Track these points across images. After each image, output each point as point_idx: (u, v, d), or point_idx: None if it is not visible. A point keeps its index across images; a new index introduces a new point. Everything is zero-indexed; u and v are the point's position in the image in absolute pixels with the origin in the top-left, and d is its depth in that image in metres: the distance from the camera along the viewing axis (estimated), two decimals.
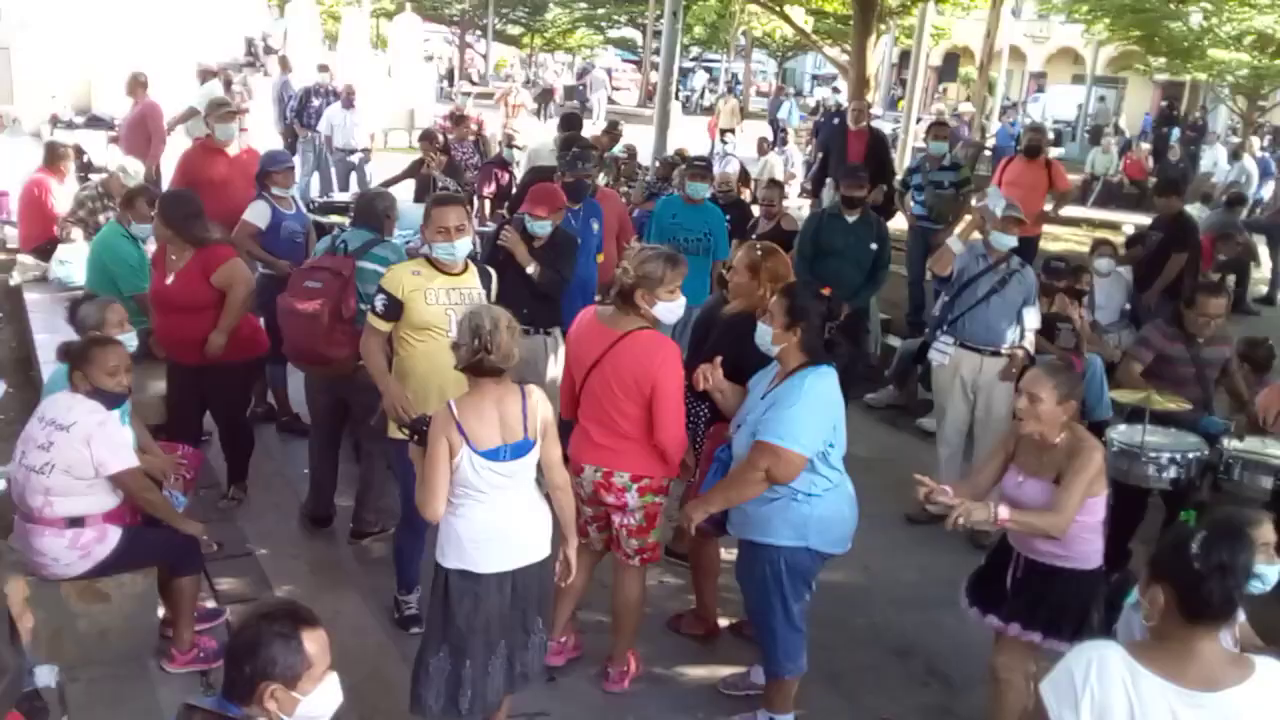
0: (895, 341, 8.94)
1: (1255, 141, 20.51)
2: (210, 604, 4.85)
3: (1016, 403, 3.93)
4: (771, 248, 4.95)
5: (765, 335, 4.01)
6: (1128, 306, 8.90)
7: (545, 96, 29.79)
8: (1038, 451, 3.92)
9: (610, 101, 33.95)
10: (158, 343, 5.72)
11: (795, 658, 4.16)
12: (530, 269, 5.57)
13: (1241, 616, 3.29)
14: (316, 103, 13.58)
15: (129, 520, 4.30)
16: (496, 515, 3.63)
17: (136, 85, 11.43)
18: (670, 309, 4.22)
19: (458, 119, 11.90)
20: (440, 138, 10.12)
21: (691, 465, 4.54)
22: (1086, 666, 2.44)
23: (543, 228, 5.63)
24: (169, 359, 5.74)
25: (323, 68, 14.11)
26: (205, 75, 13.65)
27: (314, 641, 2.49)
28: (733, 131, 20.80)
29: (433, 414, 3.66)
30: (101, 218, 8.23)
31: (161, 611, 4.52)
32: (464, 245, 4.60)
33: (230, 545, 5.33)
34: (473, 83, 35.58)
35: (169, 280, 5.52)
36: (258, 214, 6.58)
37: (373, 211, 5.64)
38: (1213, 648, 2.41)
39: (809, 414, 3.88)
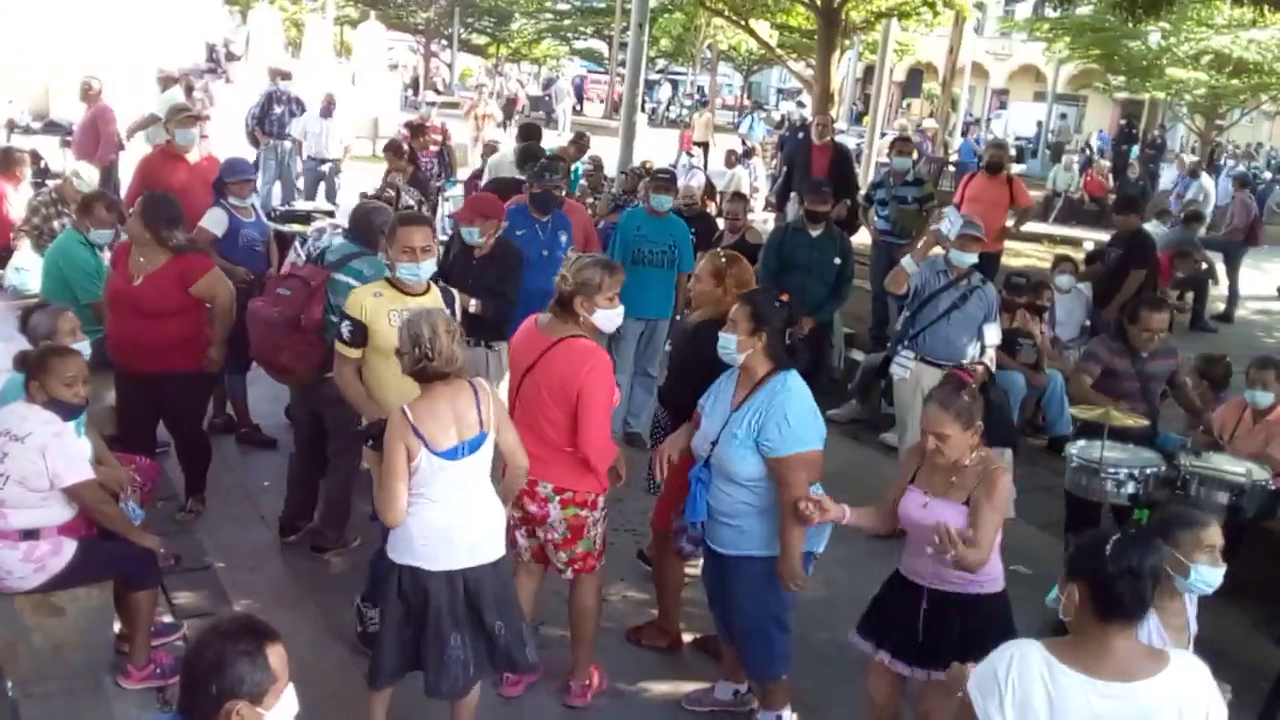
0: (859, 356, 8.98)
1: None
2: (167, 618, 4.77)
3: (926, 444, 3.80)
4: (735, 255, 5.01)
5: (729, 343, 4.00)
6: (1088, 322, 9.01)
7: (509, 107, 29.76)
8: (945, 473, 3.81)
9: (576, 112, 33.99)
10: (112, 348, 5.56)
11: (788, 657, 4.25)
12: (472, 306, 5.48)
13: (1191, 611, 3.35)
14: (278, 110, 13.46)
15: (84, 533, 4.23)
16: (448, 516, 3.69)
17: (89, 90, 11.32)
18: (609, 316, 4.24)
19: (417, 129, 11.85)
20: (405, 148, 10.07)
21: (622, 474, 4.42)
22: (1008, 663, 2.58)
23: (469, 235, 5.63)
24: (119, 366, 5.54)
25: (285, 75, 13.98)
26: (166, 82, 13.49)
27: (276, 656, 2.46)
28: (707, 145, 20.80)
29: (388, 420, 3.70)
30: (56, 224, 8.14)
31: (117, 626, 4.44)
32: (429, 266, 4.56)
33: (188, 558, 5.26)
34: (438, 92, 35.50)
35: (137, 282, 5.39)
36: (214, 221, 6.53)
37: (368, 225, 5.44)
38: (1126, 643, 2.56)
39: (808, 412, 3.97)
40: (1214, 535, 3.28)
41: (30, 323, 4.93)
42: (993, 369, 6.22)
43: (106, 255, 6.64)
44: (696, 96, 38.39)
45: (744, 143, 21.12)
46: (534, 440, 4.14)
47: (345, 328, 4.51)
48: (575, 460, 4.18)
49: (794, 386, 3.98)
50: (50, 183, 9.44)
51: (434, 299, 4.62)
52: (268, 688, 2.42)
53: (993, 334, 6.27)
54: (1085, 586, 2.56)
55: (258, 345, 5.34)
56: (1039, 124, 32.37)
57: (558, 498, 4.22)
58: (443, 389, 3.66)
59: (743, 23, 20.08)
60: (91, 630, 4.34)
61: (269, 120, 13.40)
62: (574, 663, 4.55)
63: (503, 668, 4.04)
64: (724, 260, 4.86)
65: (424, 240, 4.50)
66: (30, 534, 4.05)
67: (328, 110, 13.13)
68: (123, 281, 5.44)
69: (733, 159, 16.64)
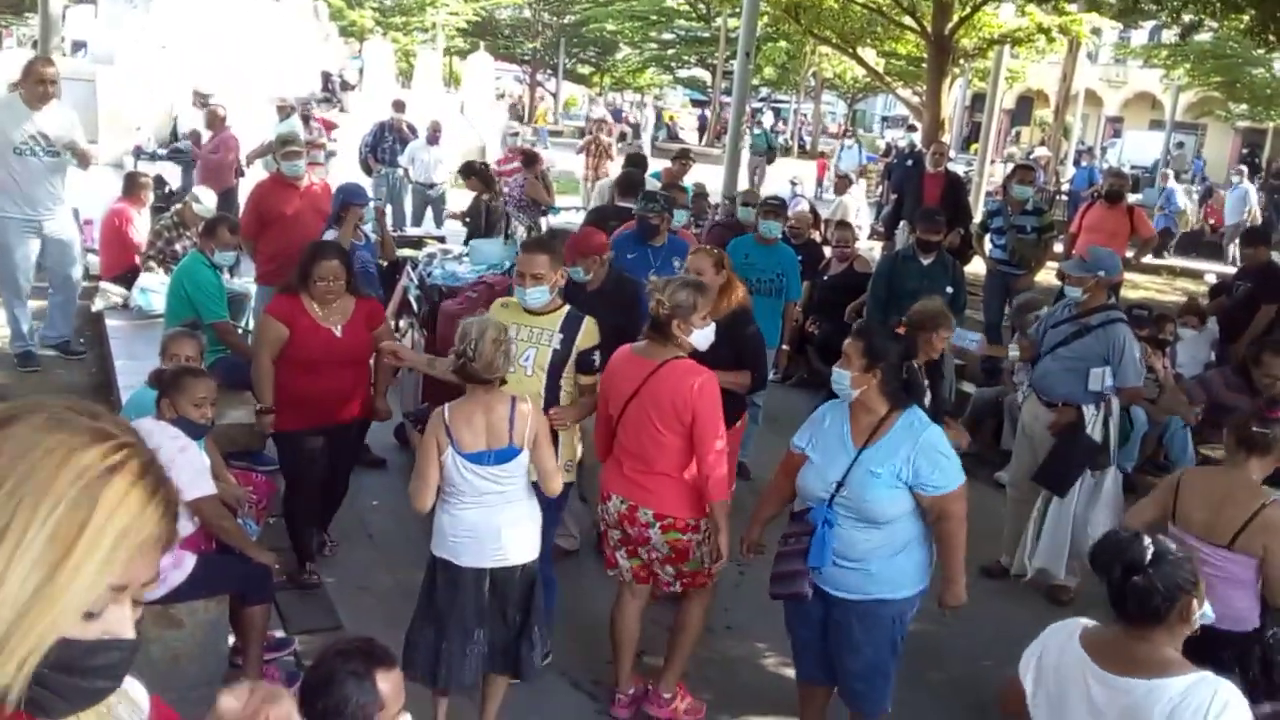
0: (969, 388, 8.76)
1: None
2: (279, 634, 4.84)
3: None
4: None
5: (843, 379, 3.85)
6: (1213, 358, 8.65)
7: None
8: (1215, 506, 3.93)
9: (675, 139, 34.06)
10: (309, 406, 5.17)
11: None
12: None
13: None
14: (390, 139, 13.81)
15: (204, 547, 4.31)
16: (477, 517, 3.87)
17: (215, 118, 11.72)
18: (704, 335, 4.25)
19: (530, 157, 12.01)
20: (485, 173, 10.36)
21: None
22: (1051, 633, 2.95)
23: (575, 274, 5.54)
24: (310, 427, 5.20)
25: (398, 105, 14.35)
26: (285, 111, 13.93)
27: (388, 681, 2.45)
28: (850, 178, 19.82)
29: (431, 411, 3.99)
30: (178, 246, 8.40)
31: (231, 639, 4.51)
32: (536, 294, 4.60)
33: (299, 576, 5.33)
34: (523, 121, 35.98)
35: (339, 332, 5.17)
36: None
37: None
38: (1140, 645, 2.68)
39: (949, 448, 3.85)
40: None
41: (163, 338, 5.10)
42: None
43: (228, 277, 6.84)
44: (802, 125, 38.22)
45: (836, 173, 20.57)
46: (637, 466, 4.19)
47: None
48: (680, 485, 4.16)
49: (927, 420, 3.87)
50: (173, 207, 9.75)
51: (554, 320, 4.66)
52: (373, 713, 2.40)
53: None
54: (1106, 579, 2.72)
55: (445, 341, 5.68)
56: (1130, 153, 31.40)
57: (658, 523, 4.19)
58: (483, 395, 3.86)
59: (849, 50, 19.93)
60: (208, 643, 4.41)
61: (381, 149, 13.77)
62: (662, 673, 4.52)
63: (501, 667, 4.06)
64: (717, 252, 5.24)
65: (537, 268, 4.58)
66: None
67: (434, 138, 13.39)
68: (326, 334, 5.15)
69: (844, 186, 16.46)
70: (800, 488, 3.97)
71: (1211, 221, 20.30)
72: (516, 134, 12.09)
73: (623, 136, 28.43)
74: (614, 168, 14.95)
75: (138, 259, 8.97)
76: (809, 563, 3.86)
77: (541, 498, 4.06)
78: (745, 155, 19.34)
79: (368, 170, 13.65)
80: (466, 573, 3.91)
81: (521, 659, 4.06)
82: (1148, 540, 2.73)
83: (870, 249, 11.95)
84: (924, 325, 5.18)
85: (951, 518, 3.81)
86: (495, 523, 3.89)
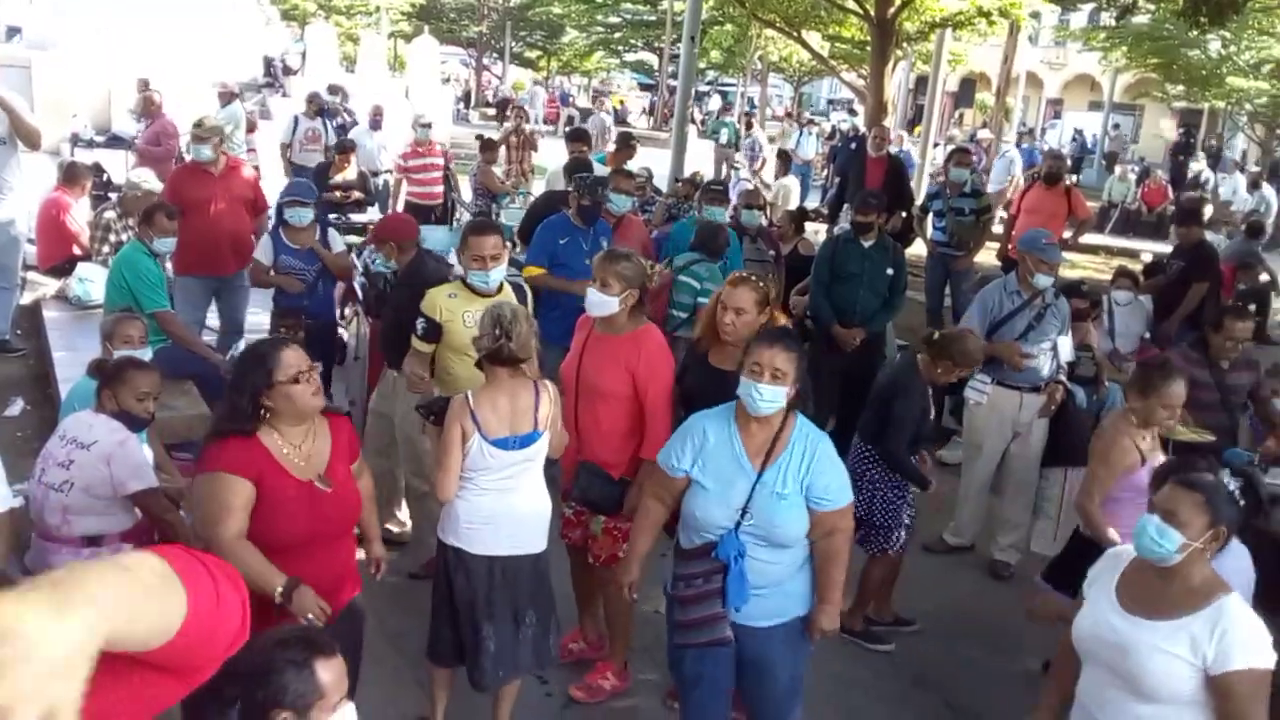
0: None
1: None
2: None
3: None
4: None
5: (777, 395, 3.45)
6: (1147, 335, 8.84)
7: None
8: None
9: (622, 124, 33.98)
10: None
11: None
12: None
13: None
14: (325, 120, 13.54)
15: (147, 540, 4.27)
16: (493, 504, 3.82)
17: (151, 104, 11.54)
18: (602, 300, 4.27)
19: (487, 144, 11.96)
20: None
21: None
22: (1121, 548, 3.18)
23: (376, 262, 5.69)
24: None
25: (334, 89, 14.09)
26: (226, 97, 13.73)
27: (329, 670, 2.44)
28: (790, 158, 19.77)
29: (451, 399, 3.86)
30: (124, 236, 8.27)
31: None
32: (497, 273, 4.75)
33: None
34: (489, 105, 35.73)
35: (322, 486, 4.00)
36: (261, 251, 6.63)
37: (712, 236, 6.66)
38: (1158, 580, 2.88)
39: (839, 460, 3.62)
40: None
41: (102, 323, 4.97)
42: (1068, 386, 6.10)
43: (170, 267, 6.75)
44: (747, 109, 38.25)
45: (793, 158, 20.67)
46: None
47: (420, 324, 4.72)
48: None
49: (817, 429, 3.62)
50: (113, 196, 9.60)
51: (506, 298, 4.74)
52: (313, 701, 2.40)
53: (1066, 348, 6.13)
54: None
55: None
56: (1075, 133, 31.84)
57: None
58: (507, 381, 3.81)
59: (795, 34, 19.99)
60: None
61: (297, 130, 13.47)
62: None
63: (527, 665, 4.05)
64: (763, 286, 4.31)
65: (494, 248, 4.69)
66: (94, 540, 4.09)
67: (376, 123, 13.20)
68: (308, 490, 3.88)
69: (782, 170, 16.55)
70: (696, 518, 3.52)
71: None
72: (429, 125, 11.64)
73: (570, 120, 28.34)
74: (543, 158, 14.72)
75: (76, 249, 8.84)
76: (729, 604, 3.47)
77: None
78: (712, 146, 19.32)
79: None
80: (478, 560, 3.86)
81: (539, 653, 4.02)
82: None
83: (816, 233, 12.03)
84: (954, 358, 5.10)
85: (842, 532, 3.53)
86: (509, 510, 3.87)
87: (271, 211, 7.14)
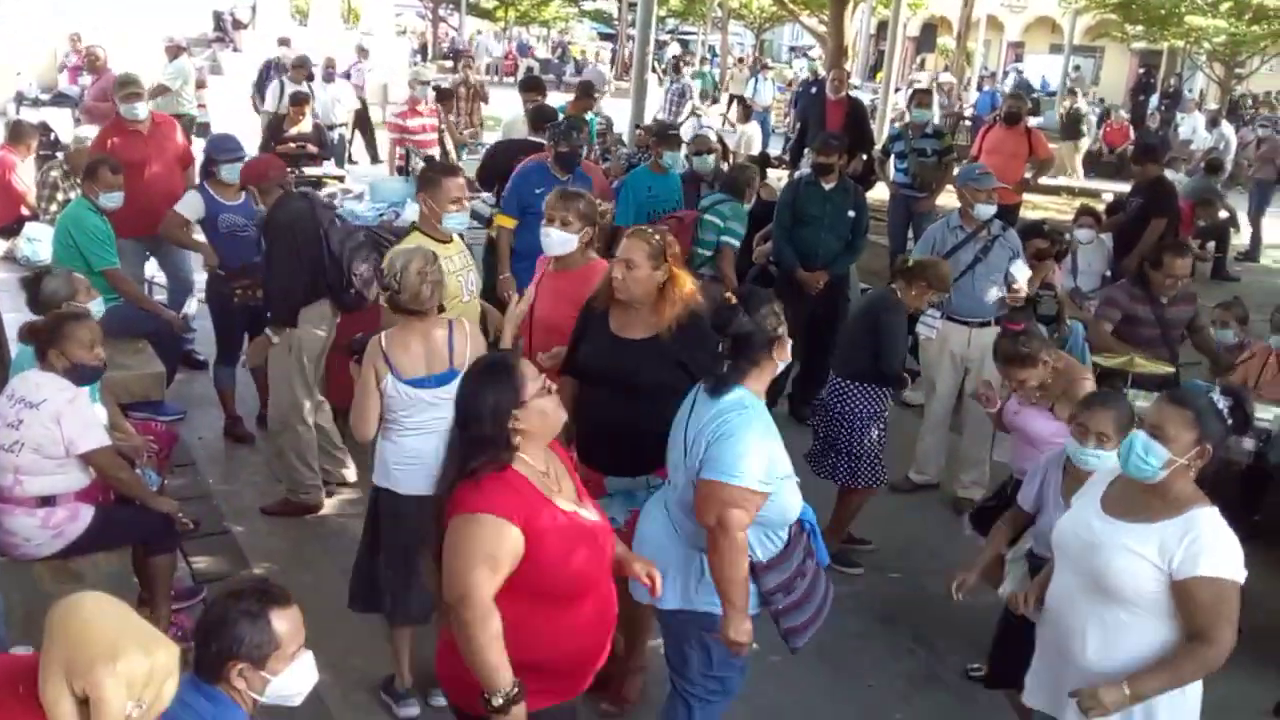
0: None
1: None
2: (188, 583, 4.78)
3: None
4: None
5: None
6: (1108, 273, 8.88)
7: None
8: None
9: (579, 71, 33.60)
10: None
11: None
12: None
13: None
14: (275, 77, 13.29)
15: (102, 499, 4.22)
16: (419, 444, 3.82)
17: (96, 61, 11.28)
18: (561, 239, 4.31)
19: (443, 95, 11.75)
20: None
21: None
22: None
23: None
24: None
25: (283, 41, 13.81)
26: (174, 51, 13.43)
27: (284, 620, 2.43)
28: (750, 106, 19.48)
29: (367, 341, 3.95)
30: (72, 195, 8.09)
31: (138, 590, 4.44)
32: (463, 217, 4.86)
33: (207, 523, 5.24)
34: (445, 57, 35.18)
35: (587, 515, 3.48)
36: (188, 205, 6.33)
37: (735, 178, 6.91)
38: (1129, 485, 2.96)
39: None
40: (1099, 421, 3.43)
41: (45, 290, 4.80)
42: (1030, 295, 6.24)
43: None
44: (708, 56, 37.95)
45: (750, 104, 20.38)
46: None
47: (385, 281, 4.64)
48: None
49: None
50: (59, 154, 9.39)
51: (459, 248, 4.87)
52: (270, 651, 2.39)
53: (1022, 270, 6.17)
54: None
55: None
56: (1016, 76, 31.79)
57: None
58: (418, 324, 3.88)
59: None
60: (111, 595, 4.33)
61: (267, 88, 13.27)
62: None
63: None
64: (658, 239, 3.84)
65: (461, 191, 4.79)
66: (47, 501, 4.04)
67: (329, 75, 12.97)
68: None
69: (745, 115, 16.42)
70: (788, 510, 3.19)
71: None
72: (428, 82, 11.33)
73: (529, 70, 27.99)
74: (495, 109, 14.46)
75: (23, 209, 8.65)
76: (819, 558, 3.39)
77: None
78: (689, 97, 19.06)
79: (258, 111, 13.19)
80: (408, 501, 3.84)
81: None
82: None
83: (779, 179, 11.97)
84: (929, 280, 5.34)
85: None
86: (436, 448, 3.68)
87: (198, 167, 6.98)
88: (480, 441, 2.68)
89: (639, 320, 3.81)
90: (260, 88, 13.25)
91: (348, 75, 12.86)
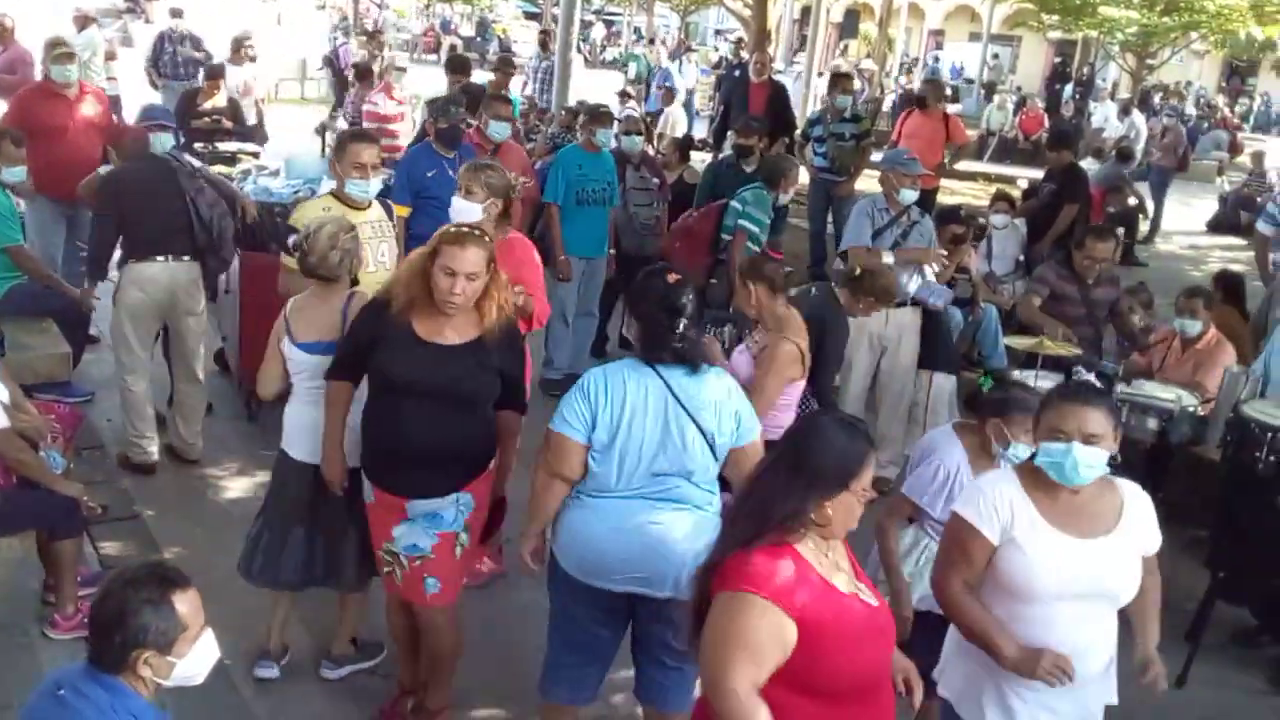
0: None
1: None
2: (94, 568, 4.66)
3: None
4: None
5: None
6: (1021, 257, 9.09)
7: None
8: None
9: (506, 51, 33.25)
10: None
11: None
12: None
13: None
14: (172, 50, 12.85)
15: (3, 483, 4.09)
16: (314, 413, 3.83)
17: (3, 30, 10.86)
18: (466, 208, 4.31)
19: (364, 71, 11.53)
20: None
21: None
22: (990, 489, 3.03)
23: None
24: None
25: (175, 12, 13.30)
26: (83, 21, 12.98)
27: (185, 603, 2.40)
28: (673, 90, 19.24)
29: None
30: None
31: (43, 576, 4.33)
32: (375, 184, 4.80)
33: (116, 508, 5.12)
34: (367, 34, 34.54)
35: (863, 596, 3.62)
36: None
37: (775, 167, 7.08)
38: (1072, 499, 2.86)
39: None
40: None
41: None
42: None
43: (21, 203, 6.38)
44: (635, 38, 37.82)
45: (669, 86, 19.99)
46: None
47: (292, 239, 4.52)
48: None
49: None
50: None
51: (377, 214, 4.88)
52: (175, 636, 2.36)
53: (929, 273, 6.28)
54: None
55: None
56: (935, 64, 32.22)
57: None
58: (322, 290, 3.90)
59: None
60: (15, 581, 4.25)
61: (162, 62, 12.82)
62: None
63: (326, 578, 4.04)
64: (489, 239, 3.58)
65: (373, 157, 4.73)
66: None
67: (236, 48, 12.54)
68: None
69: (669, 98, 16.37)
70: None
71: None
72: (404, 69, 11.00)
73: (452, 48, 27.65)
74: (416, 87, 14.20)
75: None
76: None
77: None
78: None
79: (155, 85, 12.75)
80: (299, 468, 3.90)
81: (342, 573, 3.99)
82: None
83: (703, 161, 12.01)
84: (876, 295, 5.23)
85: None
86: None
87: None
88: (769, 510, 2.32)
89: (448, 324, 3.47)
90: (155, 61, 12.78)
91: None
